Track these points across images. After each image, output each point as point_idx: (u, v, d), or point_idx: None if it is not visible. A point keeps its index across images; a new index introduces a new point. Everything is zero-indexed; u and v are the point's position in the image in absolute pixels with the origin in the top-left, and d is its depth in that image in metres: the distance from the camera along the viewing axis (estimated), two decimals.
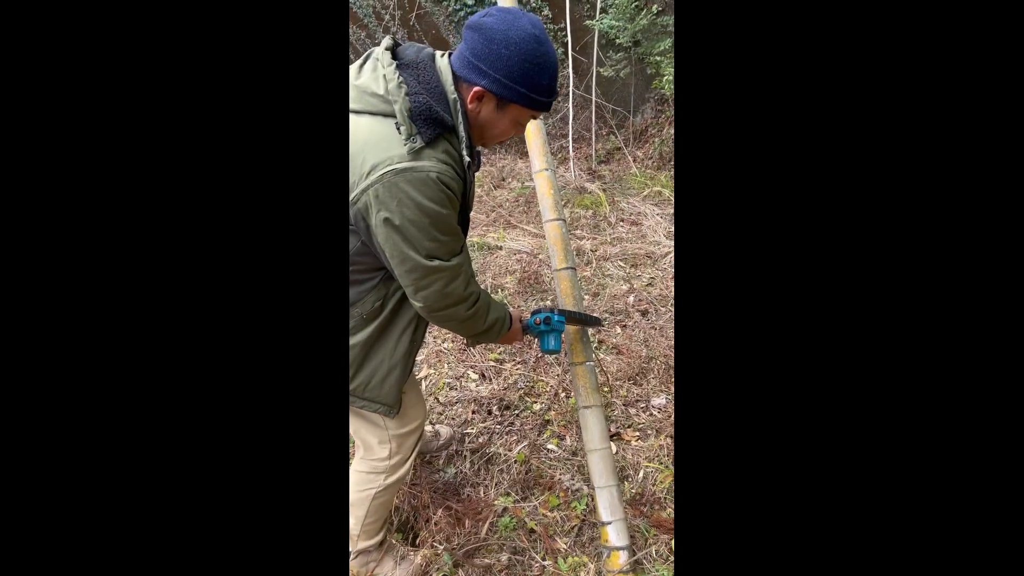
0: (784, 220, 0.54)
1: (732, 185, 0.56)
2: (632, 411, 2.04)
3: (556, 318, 1.29)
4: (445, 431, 1.84)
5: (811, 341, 0.53)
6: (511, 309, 1.27)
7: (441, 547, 1.45)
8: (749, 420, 0.55)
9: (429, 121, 0.93)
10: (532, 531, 1.49)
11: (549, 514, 1.55)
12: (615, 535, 1.36)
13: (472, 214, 1.19)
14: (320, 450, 0.57)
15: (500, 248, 3.23)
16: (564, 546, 1.46)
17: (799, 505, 0.53)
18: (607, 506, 1.37)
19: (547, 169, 1.55)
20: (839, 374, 0.53)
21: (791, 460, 0.54)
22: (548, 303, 2.67)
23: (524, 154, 5.46)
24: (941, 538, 0.48)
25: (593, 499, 1.41)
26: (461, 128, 0.98)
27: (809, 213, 0.53)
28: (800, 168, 0.54)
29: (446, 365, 2.19)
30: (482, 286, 2.82)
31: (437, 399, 2.02)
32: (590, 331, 1.50)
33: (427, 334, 1.71)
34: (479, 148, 1.13)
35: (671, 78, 4.70)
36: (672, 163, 5.22)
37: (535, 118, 1.08)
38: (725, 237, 0.56)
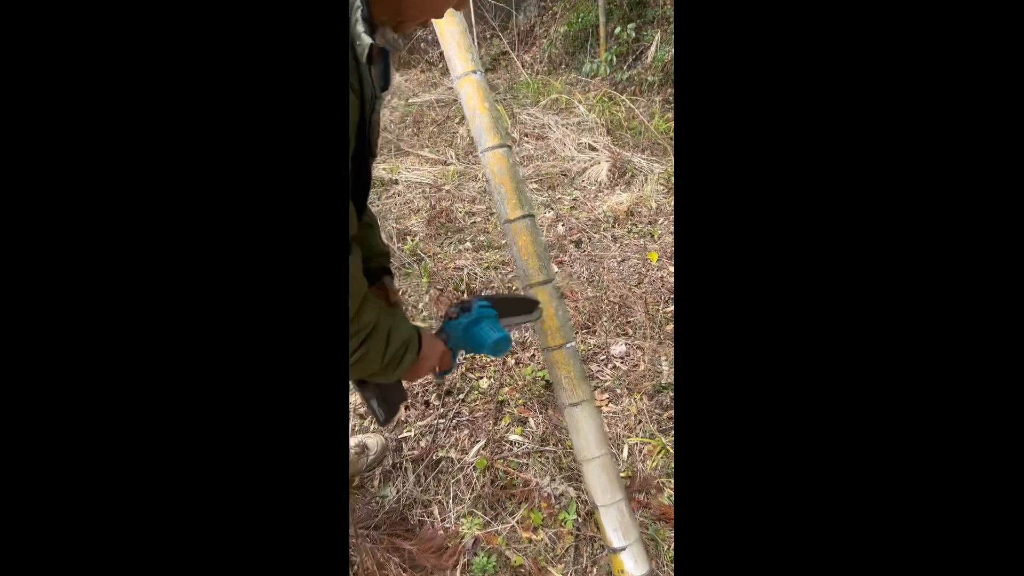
0: (788, 208, 0.47)
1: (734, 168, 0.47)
2: (594, 367, 1.71)
3: (478, 303, 0.86)
4: (373, 441, 1.40)
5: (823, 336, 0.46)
6: (420, 326, 0.80)
7: None
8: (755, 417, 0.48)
9: None
10: (519, 567, 1.14)
11: (534, 537, 1.19)
12: (632, 562, 1.03)
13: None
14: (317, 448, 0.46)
15: (396, 182, 2.68)
16: None
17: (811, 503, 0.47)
18: (617, 527, 1.04)
19: (475, 72, 1.06)
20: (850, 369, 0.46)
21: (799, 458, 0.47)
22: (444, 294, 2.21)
23: (406, 63, 4.72)
24: (961, 526, 0.45)
25: (596, 519, 1.07)
26: None
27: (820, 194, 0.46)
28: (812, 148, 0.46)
29: None
30: (383, 235, 2.25)
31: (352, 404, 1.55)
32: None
33: None
34: (390, 32, 0.63)
35: None
36: (564, 67, 4.80)
37: None
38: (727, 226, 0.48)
